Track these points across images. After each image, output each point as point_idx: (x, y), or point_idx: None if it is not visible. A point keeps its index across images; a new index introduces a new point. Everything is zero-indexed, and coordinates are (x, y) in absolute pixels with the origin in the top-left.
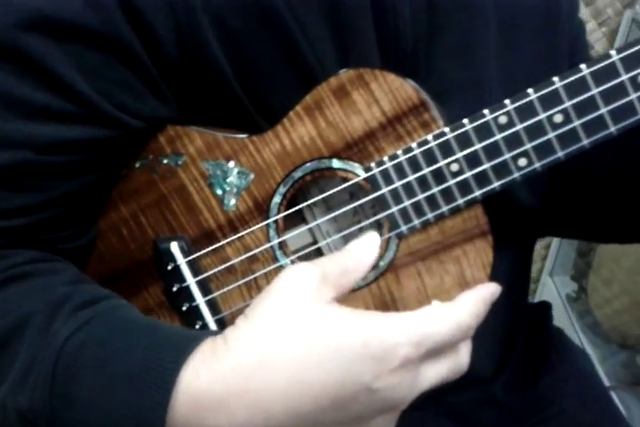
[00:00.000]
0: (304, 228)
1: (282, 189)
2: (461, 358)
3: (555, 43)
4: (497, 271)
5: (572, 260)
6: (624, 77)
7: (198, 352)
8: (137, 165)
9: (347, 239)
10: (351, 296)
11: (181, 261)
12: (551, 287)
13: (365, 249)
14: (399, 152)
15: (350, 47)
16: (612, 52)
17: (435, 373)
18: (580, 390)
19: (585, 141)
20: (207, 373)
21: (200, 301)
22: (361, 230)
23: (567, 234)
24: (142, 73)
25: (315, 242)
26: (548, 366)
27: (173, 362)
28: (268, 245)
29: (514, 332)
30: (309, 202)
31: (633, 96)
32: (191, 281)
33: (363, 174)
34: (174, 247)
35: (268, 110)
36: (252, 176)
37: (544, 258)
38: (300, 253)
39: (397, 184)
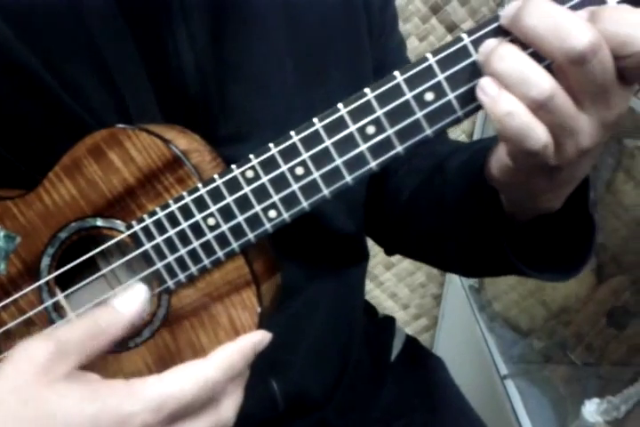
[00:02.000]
0: (82, 283)
1: (50, 251)
2: (223, 413)
3: (361, 70)
4: (323, 296)
5: None
6: (352, 129)
7: None
8: None
9: None
10: (128, 355)
11: None
12: (456, 279)
13: (125, 306)
14: (158, 209)
15: (127, 98)
16: (340, 106)
17: None
18: (433, 399)
19: (325, 191)
20: None
21: None
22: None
23: (410, 255)
24: None
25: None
26: (390, 381)
27: None
28: (40, 308)
29: (346, 353)
30: (67, 267)
31: (362, 147)
32: None
33: (127, 232)
34: None
35: (46, 167)
36: (18, 239)
37: None
38: (84, 309)
39: (159, 240)
